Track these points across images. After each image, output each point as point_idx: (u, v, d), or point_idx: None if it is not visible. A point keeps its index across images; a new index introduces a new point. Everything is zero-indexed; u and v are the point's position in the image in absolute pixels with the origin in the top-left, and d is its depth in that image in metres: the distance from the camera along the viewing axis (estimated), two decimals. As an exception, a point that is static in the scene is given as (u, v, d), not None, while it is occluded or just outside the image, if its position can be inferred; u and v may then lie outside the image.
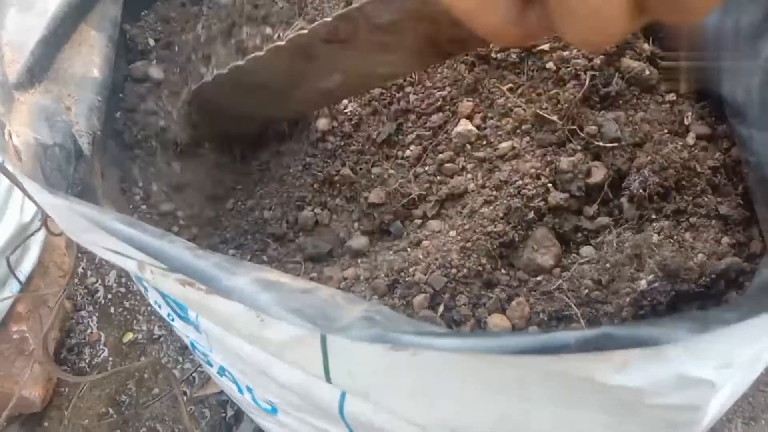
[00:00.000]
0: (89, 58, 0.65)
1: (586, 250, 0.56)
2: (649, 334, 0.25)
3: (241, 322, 0.40)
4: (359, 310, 0.29)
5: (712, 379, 0.30)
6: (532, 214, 0.55)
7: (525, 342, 0.26)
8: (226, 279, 0.31)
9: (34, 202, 0.58)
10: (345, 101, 0.66)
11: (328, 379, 0.40)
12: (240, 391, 0.56)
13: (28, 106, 0.54)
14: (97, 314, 1.06)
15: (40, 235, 1.01)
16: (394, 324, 0.29)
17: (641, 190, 0.55)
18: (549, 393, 0.35)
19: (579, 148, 0.58)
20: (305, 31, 0.52)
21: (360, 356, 0.37)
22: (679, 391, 0.31)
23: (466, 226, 0.56)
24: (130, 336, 1.04)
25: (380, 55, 0.51)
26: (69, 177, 0.51)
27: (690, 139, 0.58)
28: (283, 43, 0.55)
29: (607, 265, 0.53)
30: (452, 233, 0.57)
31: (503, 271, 0.56)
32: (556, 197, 0.56)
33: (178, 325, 0.55)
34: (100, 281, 1.10)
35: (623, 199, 0.56)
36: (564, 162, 0.56)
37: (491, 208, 0.57)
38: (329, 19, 0.50)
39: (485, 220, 0.56)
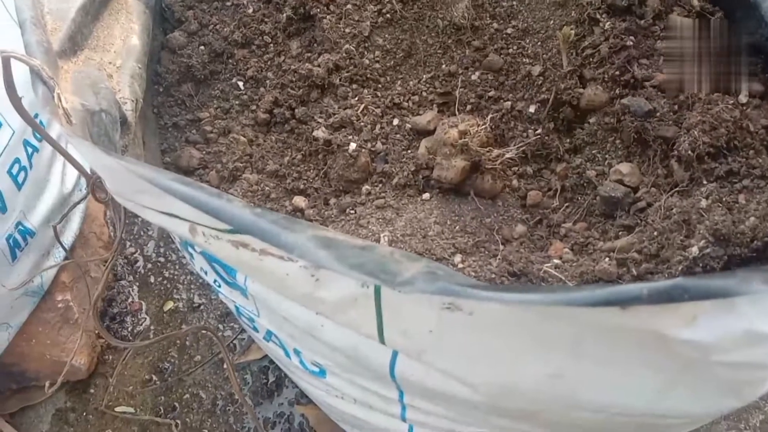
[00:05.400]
0: (128, 25, 0.65)
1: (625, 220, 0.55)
2: (724, 285, 0.25)
3: (295, 282, 0.40)
4: (419, 266, 0.29)
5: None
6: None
7: (592, 295, 0.26)
8: (285, 235, 0.30)
9: (79, 169, 0.59)
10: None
11: (382, 340, 0.40)
12: (287, 355, 0.56)
13: (72, 74, 0.54)
14: (137, 284, 1.08)
15: (81, 207, 1.02)
16: (455, 279, 0.28)
17: (690, 152, 0.53)
18: (607, 351, 0.34)
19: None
20: None
21: (415, 316, 0.37)
22: (747, 348, 0.30)
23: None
24: (170, 305, 1.05)
25: None
26: (115, 142, 0.51)
27: (743, 98, 0.56)
28: None
29: (655, 233, 0.52)
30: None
31: (541, 254, 0.55)
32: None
33: (224, 291, 0.55)
34: (139, 251, 1.11)
35: (672, 161, 0.55)
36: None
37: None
38: None
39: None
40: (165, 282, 1.09)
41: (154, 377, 1.00)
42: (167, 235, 1.13)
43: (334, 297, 0.39)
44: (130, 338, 1.03)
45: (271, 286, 0.45)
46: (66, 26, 0.56)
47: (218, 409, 0.95)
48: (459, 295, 0.26)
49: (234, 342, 0.99)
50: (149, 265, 1.11)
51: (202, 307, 1.05)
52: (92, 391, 1.01)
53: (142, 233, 1.14)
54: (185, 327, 0.85)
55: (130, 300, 1.07)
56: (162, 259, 1.11)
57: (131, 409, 0.98)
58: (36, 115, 0.80)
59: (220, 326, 1.01)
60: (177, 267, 1.10)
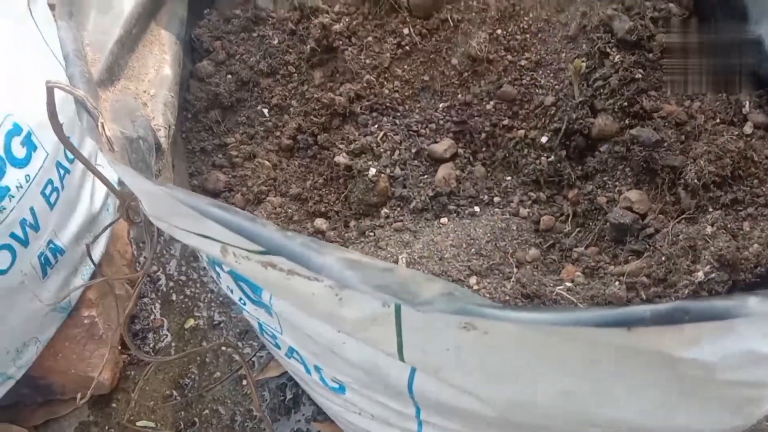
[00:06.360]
0: (161, 56, 0.68)
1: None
2: (724, 307, 0.27)
3: (319, 300, 0.42)
4: (438, 287, 0.31)
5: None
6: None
7: (600, 316, 0.28)
8: (315, 257, 0.33)
9: (112, 190, 0.62)
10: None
11: (401, 357, 0.43)
12: (308, 371, 0.58)
13: (110, 103, 0.58)
14: (159, 301, 1.11)
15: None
16: (471, 299, 0.31)
17: (696, 180, 0.56)
18: (616, 369, 0.36)
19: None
20: None
21: (434, 334, 0.39)
22: (749, 368, 0.32)
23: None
24: (191, 322, 1.08)
25: None
26: (151, 168, 0.54)
27: (747, 128, 0.59)
28: None
29: (663, 258, 0.54)
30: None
31: (554, 277, 0.57)
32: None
33: (249, 308, 0.58)
34: (161, 270, 1.15)
35: (680, 189, 0.57)
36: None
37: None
38: None
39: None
40: (186, 300, 1.12)
41: (175, 393, 1.03)
42: (189, 254, 1.16)
43: (356, 315, 0.42)
44: (152, 354, 1.06)
45: (297, 305, 0.48)
46: (104, 57, 0.60)
47: (237, 425, 0.98)
48: (475, 315, 0.29)
49: (253, 359, 1.02)
50: (171, 284, 1.14)
51: (222, 324, 1.07)
52: (114, 405, 1.03)
53: (165, 252, 1.17)
54: (206, 344, 0.87)
55: (152, 317, 1.10)
56: (184, 278, 1.14)
57: (152, 424, 1.00)
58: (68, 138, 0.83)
59: (240, 344, 1.03)
60: (198, 285, 1.13)
